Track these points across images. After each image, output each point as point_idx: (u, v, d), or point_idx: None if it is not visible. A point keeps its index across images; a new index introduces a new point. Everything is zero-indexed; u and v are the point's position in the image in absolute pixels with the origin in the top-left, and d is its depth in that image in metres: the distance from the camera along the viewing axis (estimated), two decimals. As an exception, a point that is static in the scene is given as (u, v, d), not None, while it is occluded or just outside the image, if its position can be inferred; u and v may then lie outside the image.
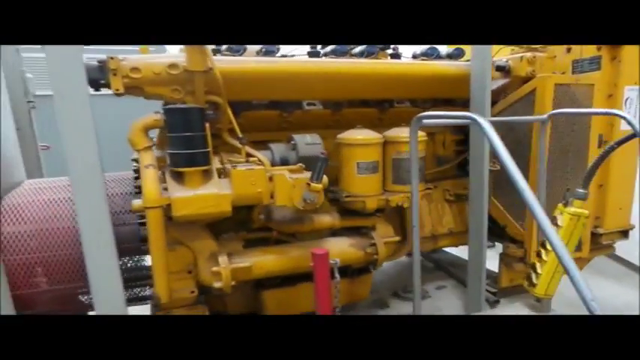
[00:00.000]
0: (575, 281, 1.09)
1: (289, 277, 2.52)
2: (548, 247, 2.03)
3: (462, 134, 3.18)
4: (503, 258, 3.02)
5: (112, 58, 1.94)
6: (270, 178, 2.08)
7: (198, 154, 1.98)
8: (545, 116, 1.89)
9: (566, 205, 2.02)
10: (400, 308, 2.92)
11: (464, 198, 3.17)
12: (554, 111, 2.02)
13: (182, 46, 2.16)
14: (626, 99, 2.78)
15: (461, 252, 3.82)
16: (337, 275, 2.06)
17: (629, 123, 1.70)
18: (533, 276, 2.09)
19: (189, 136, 1.95)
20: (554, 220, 2.02)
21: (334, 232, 2.63)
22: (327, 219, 2.51)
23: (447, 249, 3.81)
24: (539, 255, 2.09)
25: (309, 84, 2.52)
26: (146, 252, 2.08)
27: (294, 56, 2.61)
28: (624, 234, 3.07)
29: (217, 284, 2.16)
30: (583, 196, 1.99)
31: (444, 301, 3.01)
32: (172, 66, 2.05)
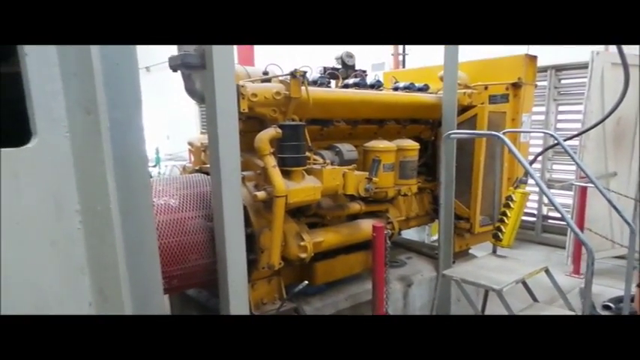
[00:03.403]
0: (573, 229, 2.24)
1: (329, 252, 3.34)
2: (509, 214, 3.26)
3: (421, 144, 4.36)
4: (455, 230, 4.26)
5: (242, 85, 2.57)
6: (343, 175, 2.92)
7: (301, 157, 2.73)
8: (501, 132, 3.11)
9: (516, 187, 3.29)
10: (392, 272, 3.92)
11: (423, 190, 4.35)
12: (507, 130, 3.27)
13: (281, 77, 2.84)
14: (523, 122, 4.28)
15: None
16: (389, 241, 2.98)
17: (553, 137, 3.02)
18: (500, 234, 3.31)
19: (297, 144, 2.69)
20: (510, 198, 3.27)
21: (355, 217, 3.53)
22: (357, 206, 3.41)
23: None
24: (501, 221, 3.32)
25: (339, 107, 3.39)
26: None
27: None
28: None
29: (303, 255, 2.89)
30: (526, 182, 3.28)
31: (419, 265, 4.12)
32: (277, 93, 2.75)
